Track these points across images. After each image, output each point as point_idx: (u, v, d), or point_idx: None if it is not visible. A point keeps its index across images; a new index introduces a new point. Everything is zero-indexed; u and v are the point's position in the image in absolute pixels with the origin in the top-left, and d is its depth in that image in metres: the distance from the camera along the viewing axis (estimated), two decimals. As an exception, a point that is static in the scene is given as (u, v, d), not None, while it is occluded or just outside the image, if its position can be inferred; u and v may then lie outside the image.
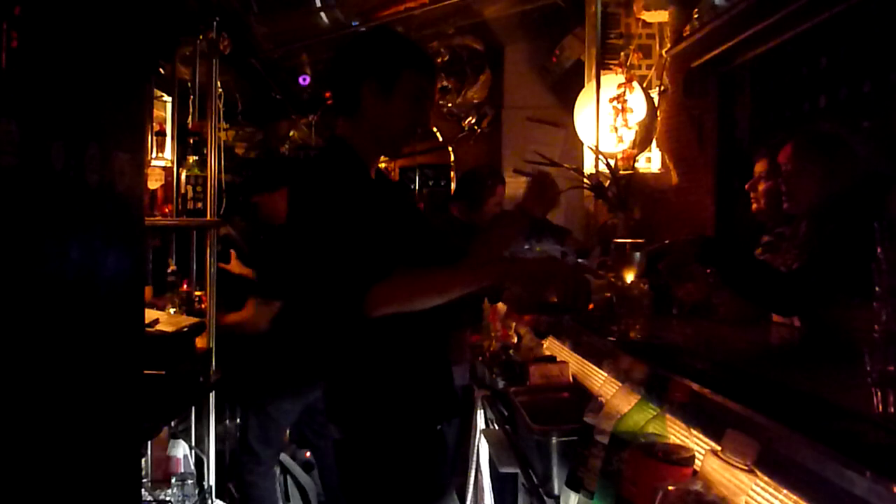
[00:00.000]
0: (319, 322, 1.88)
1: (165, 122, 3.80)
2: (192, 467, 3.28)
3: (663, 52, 3.78)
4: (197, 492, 3.07)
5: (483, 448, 2.92)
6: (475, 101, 5.70)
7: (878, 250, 0.93)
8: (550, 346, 2.86)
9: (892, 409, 0.89)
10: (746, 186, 2.67)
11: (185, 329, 2.72)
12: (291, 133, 6.28)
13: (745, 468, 1.14)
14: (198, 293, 3.64)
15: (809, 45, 2.85)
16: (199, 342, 3.10)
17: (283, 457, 3.94)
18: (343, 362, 1.86)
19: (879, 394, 0.91)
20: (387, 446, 1.81)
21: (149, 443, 3.08)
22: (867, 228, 0.94)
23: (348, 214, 1.73)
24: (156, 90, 3.70)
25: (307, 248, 1.81)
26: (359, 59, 1.86)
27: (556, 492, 1.81)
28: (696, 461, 1.30)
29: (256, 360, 3.57)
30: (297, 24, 4.65)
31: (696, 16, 3.31)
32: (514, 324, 3.24)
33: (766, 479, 1.16)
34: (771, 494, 1.15)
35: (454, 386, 1.99)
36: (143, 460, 3.01)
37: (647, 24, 3.89)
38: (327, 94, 6.10)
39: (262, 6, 4.18)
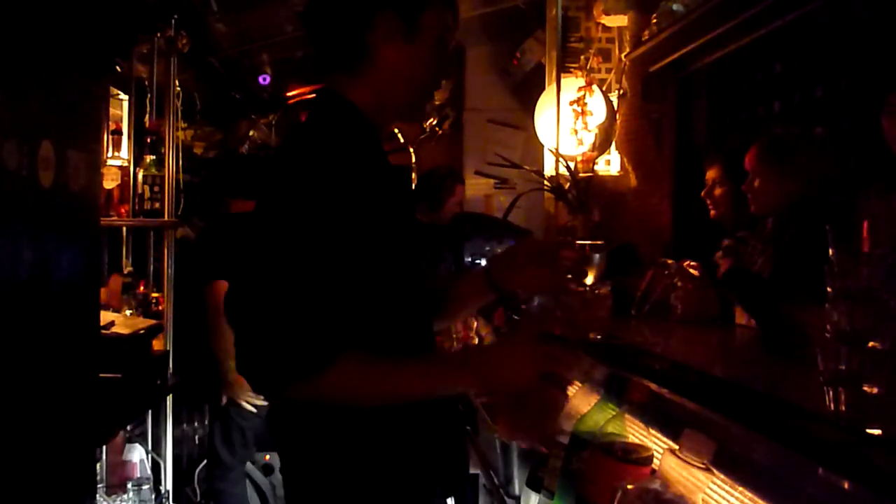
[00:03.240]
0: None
1: (122, 121, 3.73)
2: (149, 472, 3.23)
3: (622, 56, 3.82)
4: (153, 497, 3.02)
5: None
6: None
7: (830, 252, 0.95)
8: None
9: (843, 407, 0.91)
10: (703, 194, 2.72)
11: (142, 331, 2.68)
12: (251, 133, 6.22)
13: (703, 466, 1.16)
14: (155, 295, 3.59)
15: (764, 51, 2.91)
16: (157, 344, 3.06)
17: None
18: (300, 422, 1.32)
19: (831, 392, 0.93)
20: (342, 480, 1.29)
21: (104, 447, 3.02)
22: (823, 231, 0.97)
23: (339, 216, 1.20)
24: (112, 88, 3.64)
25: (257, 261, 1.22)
26: None
27: (516, 492, 1.82)
28: (655, 460, 1.32)
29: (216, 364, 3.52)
30: (257, 23, 4.60)
31: (654, 21, 3.36)
32: (475, 324, 3.25)
33: (722, 476, 1.18)
34: (727, 492, 1.17)
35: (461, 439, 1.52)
36: (97, 465, 2.95)
37: (606, 29, 3.93)
38: (288, 93, 6.06)
39: (222, 4, 4.13)
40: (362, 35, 1.31)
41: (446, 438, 1.39)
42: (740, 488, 1.14)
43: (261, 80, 5.51)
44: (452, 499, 2.56)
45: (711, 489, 1.18)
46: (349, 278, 1.20)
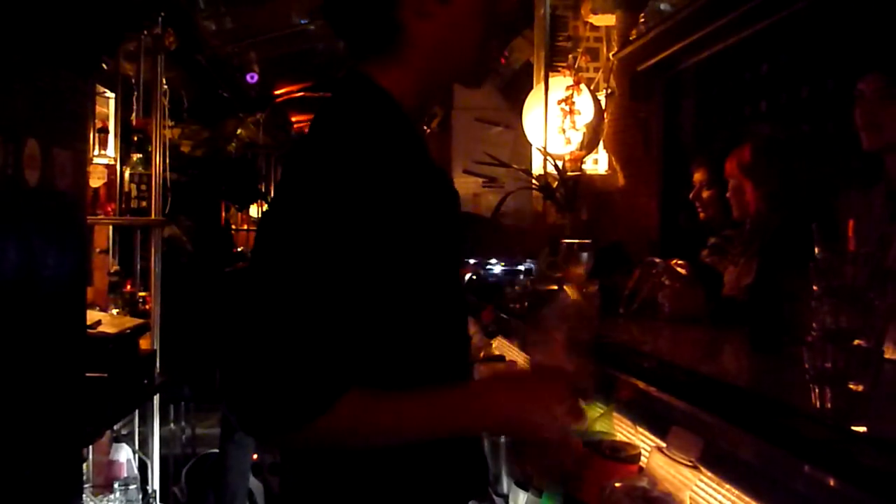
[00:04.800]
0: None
1: (108, 119, 3.71)
2: (136, 472, 3.21)
3: (610, 55, 3.83)
4: (140, 497, 3.01)
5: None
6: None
7: (816, 251, 0.96)
8: (500, 345, 2.88)
9: (829, 405, 0.92)
10: (690, 196, 2.74)
11: (129, 330, 2.66)
12: (239, 131, 6.20)
13: (690, 464, 1.17)
14: (142, 294, 3.57)
15: (751, 51, 2.92)
16: (144, 344, 3.04)
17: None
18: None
19: (817, 390, 0.93)
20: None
21: (90, 447, 3.00)
22: (808, 230, 0.97)
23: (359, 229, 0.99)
24: (98, 86, 3.62)
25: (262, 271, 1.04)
26: None
27: (504, 490, 1.82)
28: (643, 458, 1.33)
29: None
30: (245, 21, 4.59)
31: (642, 20, 3.37)
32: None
33: (709, 474, 1.18)
34: (714, 489, 1.18)
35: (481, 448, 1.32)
36: (84, 465, 2.93)
37: (594, 28, 3.94)
38: (276, 91, 6.04)
39: (210, 2, 4.11)
40: (391, 14, 1.10)
41: (466, 442, 1.18)
42: (727, 486, 1.15)
43: (248, 78, 5.49)
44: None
45: (699, 487, 1.19)
46: (367, 301, 1.01)
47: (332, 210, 0.98)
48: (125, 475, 3.06)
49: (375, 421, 1.01)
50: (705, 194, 2.68)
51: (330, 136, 1.07)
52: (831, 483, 0.88)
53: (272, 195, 1.05)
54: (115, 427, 3.10)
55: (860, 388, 0.91)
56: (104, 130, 3.58)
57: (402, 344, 1.09)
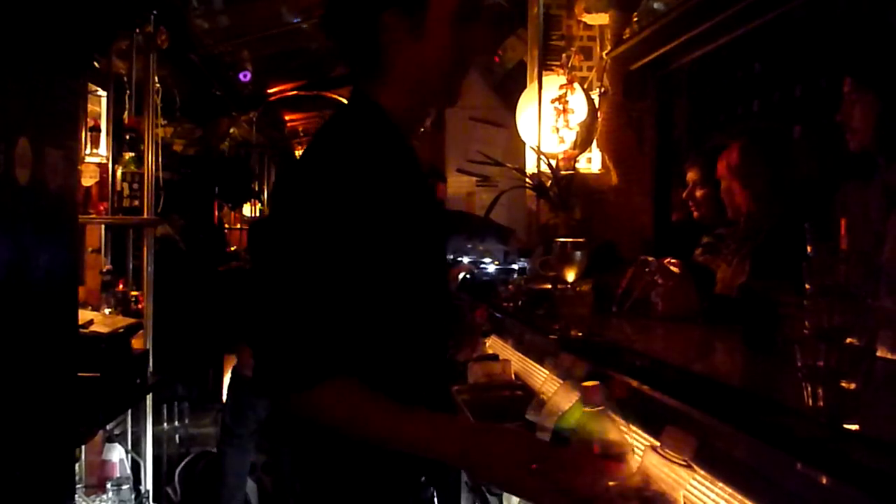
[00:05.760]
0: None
1: (100, 118, 3.69)
2: (129, 471, 3.20)
3: (604, 54, 3.83)
4: (133, 497, 3.00)
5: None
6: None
7: (809, 249, 0.96)
8: (493, 344, 2.88)
9: (822, 403, 0.92)
10: (684, 195, 2.75)
11: (121, 330, 2.65)
12: (232, 130, 6.18)
13: (683, 463, 1.17)
14: (134, 293, 3.56)
15: (744, 50, 2.93)
16: (136, 343, 3.03)
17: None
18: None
19: (809, 388, 0.94)
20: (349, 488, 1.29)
21: (83, 447, 3.00)
22: (802, 228, 0.97)
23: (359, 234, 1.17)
24: (90, 85, 3.60)
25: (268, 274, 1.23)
26: None
27: (498, 489, 1.82)
28: (636, 457, 1.33)
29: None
30: (238, 20, 4.58)
31: (635, 19, 3.37)
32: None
33: (703, 472, 1.19)
34: (707, 488, 1.18)
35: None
36: (76, 465, 2.92)
37: (588, 27, 3.94)
38: (269, 90, 6.02)
39: (202, 0, 4.10)
40: (375, 39, 1.28)
41: None
42: (720, 484, 1.15)
43: (241, 76, 5.48)
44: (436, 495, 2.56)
45: (692, 486, 1.19)
46: (366, 294, 1.18)
47: (333, 213, 1.15)
48: (118, 475, 3.05)
49: (368, 408, 1.15)
50: (698, 193, 2.69)
51: (331, 151, 1.24)
52: (824, 481, 0.88)
53: (272, 194, 1.20)
54: (108, 427, 3.09)
55: (852, 385, 0.91)
56: (96, 129, 3.57)
57: (391, 333, 1.25)
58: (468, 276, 3.48)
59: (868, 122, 1.70)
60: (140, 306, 3.43)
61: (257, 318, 1.24)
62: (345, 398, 1.15)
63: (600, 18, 3.78)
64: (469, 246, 3.91)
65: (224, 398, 4.42)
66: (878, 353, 1.13)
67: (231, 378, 3.99)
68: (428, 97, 1.37)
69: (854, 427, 0.90)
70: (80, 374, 2.12)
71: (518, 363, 2.53)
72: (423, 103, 1.37)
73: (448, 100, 1.38)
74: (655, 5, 3.19)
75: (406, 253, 1.23)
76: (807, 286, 0.95)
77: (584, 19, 3.87)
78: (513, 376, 2.50)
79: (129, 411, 3.31)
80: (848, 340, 0.92)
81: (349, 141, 1.24)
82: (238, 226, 9.39)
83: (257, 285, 1.31)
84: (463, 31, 1.30)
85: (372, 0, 1.26)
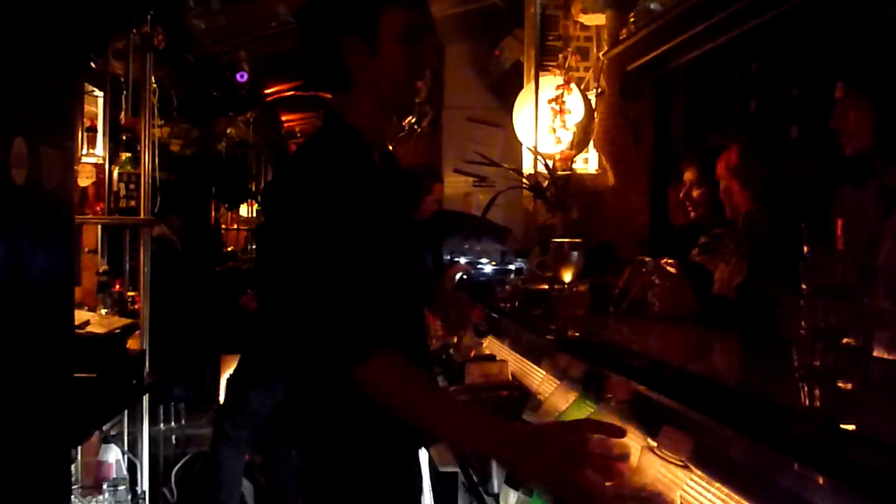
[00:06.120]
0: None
1: (97, 118, 3.69)
2: (125, 472, 3.19)
3: (600, 54, 3.84)
4: (130, 498, 2.99)
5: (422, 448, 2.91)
6: (416, 100, 5.69)
7: (805, 250, 0.96)
8: (490, 344, 2.88)
9: (818, 403, 0.92)
10: (681, 195, 2.74)
11: (118, 330, 2.65)
12: (229, 130, 6.19)
13: (680, 464, 1.17)
14: (131, 294, 3.56)
15: (741, 50, 2.93)
16: (133, 344, 3.03)
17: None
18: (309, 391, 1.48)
19: (806, 388, 0.94)
20: (358, 479, 1.46)
21: (79, 448, 2.99)
22: (797, 228, 0.97)
23: (342, 232, 1.34)
24: (87, 85, 3.60)
25: (282, 276, 1.38)
26: (327, 15, 1.48)
27: (495, 490, 1.82)
28: (633, 457, 1.33)
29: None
30: (235, 20, 4.57)
31: (632, 20, 3.37)
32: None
33: (699, 473, 1.19)
34: (704, 488, 1.18)
35: None
36: (72, 466, 2.92)
37: (584, 27, 3.95)
38: (266, 90, 6.01)
39: (199, 0, 4.10)
40: (339, 60, 1.47)
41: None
42: (717, 484, 1.15)
43: (238, 77, 5.48)
44: (431, 497, 2.56)
45: (689, 486, 1.19)
46: (369, 277, 1.34)
47: (321, 219, 1.33)
48: (114, 476, 3.05)
49: (409, 377, 1.27)
50: (695, 193, 2.69)
51: (310, 165, 1.45)
52: (821, 481, 0.88)
53: (266, 200, 1.41)
54: (104, 427, 3.09)
55: (849, 386, 0.91)
56: (93, 129, 3.57)
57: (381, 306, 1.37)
58: (465, 276, 3.48)
59: (865, 125, 1.69)
60: (137, 307, 3.42)
61: (284, 315, 1.37)
62: (397, 368, 1.26)
63: (597, 19, 3.79)
64: (466, 246, 3.91)
65: (221, 399, 4.42)
66: (875, 354, 1.13)
67: (228, 379, 3.99)
68: (387, 107, 1.55)
69: (851, 427, 0.90)
70: (76, 375, 2.11)
71: (515, 364, 2.53)
72: (384, 112, 1.55)
73: (404, 108, 1.67)
74: (652, 6, 3.19)
75: (380, 240, 1.42)
76: (803, 286, 0.95)
77: (580, 20, 3.88)
78: (510, 377, 2.50)
79: (126, 412, 3.30)
80: (844, 341, 0.92)
81: (325, 158, 1.45)
82: (235, 226, 9.38)
83: (273, 287, 1.40)
84: (412, 51, 1.49)
85: (331, 26, 1.46)
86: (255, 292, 4.02)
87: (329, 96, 1.59)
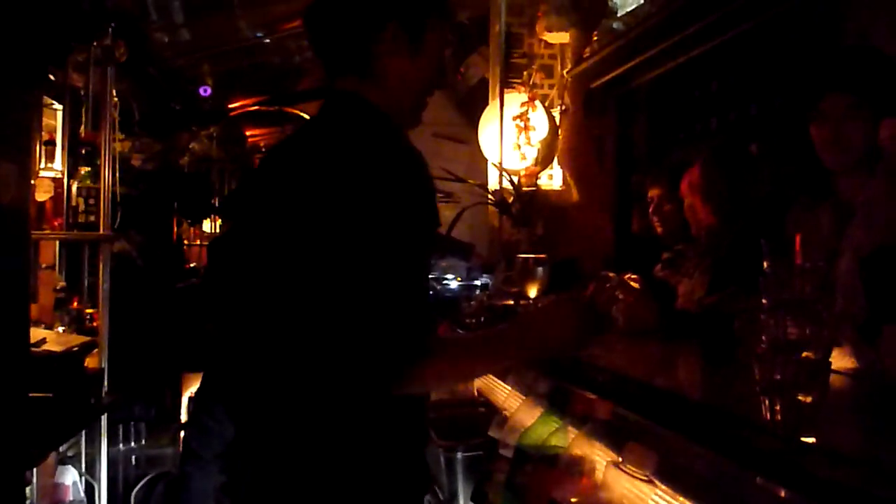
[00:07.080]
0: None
1: (56, 131, 3.62)
2: (83, 495, 3.12)
3: (564, 72, 3.88)
4: (87, 520, 2.92)
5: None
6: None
7: (765, 265, 0.97)
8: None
9: (779, 416, 0.93)
10: (650, 211, 2.77)
11: (75, 349, 2.60)
12: (192, 145, 6.11)
13: (645, 479, 1.17)
14: (89, 311, 3.48)
15: (701, 69, 2.98)
16: (91, 362, 2.96)
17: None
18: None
19: (767, 402, 0.95)
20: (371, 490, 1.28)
21: (34, 470, 2.91)
22: (757, 244, 0.99)
23: (405, 226, 1.22)
24: (45, 97, 3.53)
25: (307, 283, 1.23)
26: None
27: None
28: (598, 473, 1.33)
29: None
30: (198, 34, 4.54)
31: (595, 39, 3.42)
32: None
33: (664, 487, 1.19)
34: (668, 503, 1.19)
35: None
36: (28, 489, 2.84)
37: (549, 45, 3.99)
38: (230, 104, 5.97)
39: (161, 13, 4.06)
40: (368, 45, 1.33)
41: (411, 452, 1.35)
42: (681, 498, 1.16)
43: (202, 91, 5.42)
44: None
45: (654, 500, 1.20)
46: (411, 275, 1.25)
47: (372, 214, 1.19)
48: (71, 499, 2.98)
49: (470, 351, 1.32)
50: (665, 208, 2.72)
51: (343, 151, 1.25)
52: (782, 494, 0.89)
53: (266, 200, 1.20)
54: (61, 449, 3.02)
55: (809, 398, 0.92)
56: (51, 143, 3.50)
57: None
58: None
59: (864, 138, 1.64)
60: (95, 324, 3.35)
61: (318, 325, 1.22)
62: (448, 353, 1.27)
63: (561, 37, 3.83)
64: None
65: (183, 417, 4.33)
66: (834, 367, 1.15)
67: (194, 398, 3.91)
68: (403, 110, 1.41)
69: (811, 440, 0.91)
70: (31, 395, 2.06)
71: (481, 379, 2.52)
72: (399, 114, 1.39)
73: (413, 120, 1.47)
74: (615, 25, 3.24)
75: (420, 234, 1.28)
76: (763, 301, 0.96)
77: (545, 38, 3.91)
78: (475, 393, 2.49)
79: (84, 432, 3.23)
80: (804, 354, 0.93)
81: (365, 140, 1.28)
82: (198, 242, 9.25)
83: (279, 298, 1.25)
84: (440, 65, 1.44)
85: (378, 14, 1.32)
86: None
87: (327, 97, 1.43)
